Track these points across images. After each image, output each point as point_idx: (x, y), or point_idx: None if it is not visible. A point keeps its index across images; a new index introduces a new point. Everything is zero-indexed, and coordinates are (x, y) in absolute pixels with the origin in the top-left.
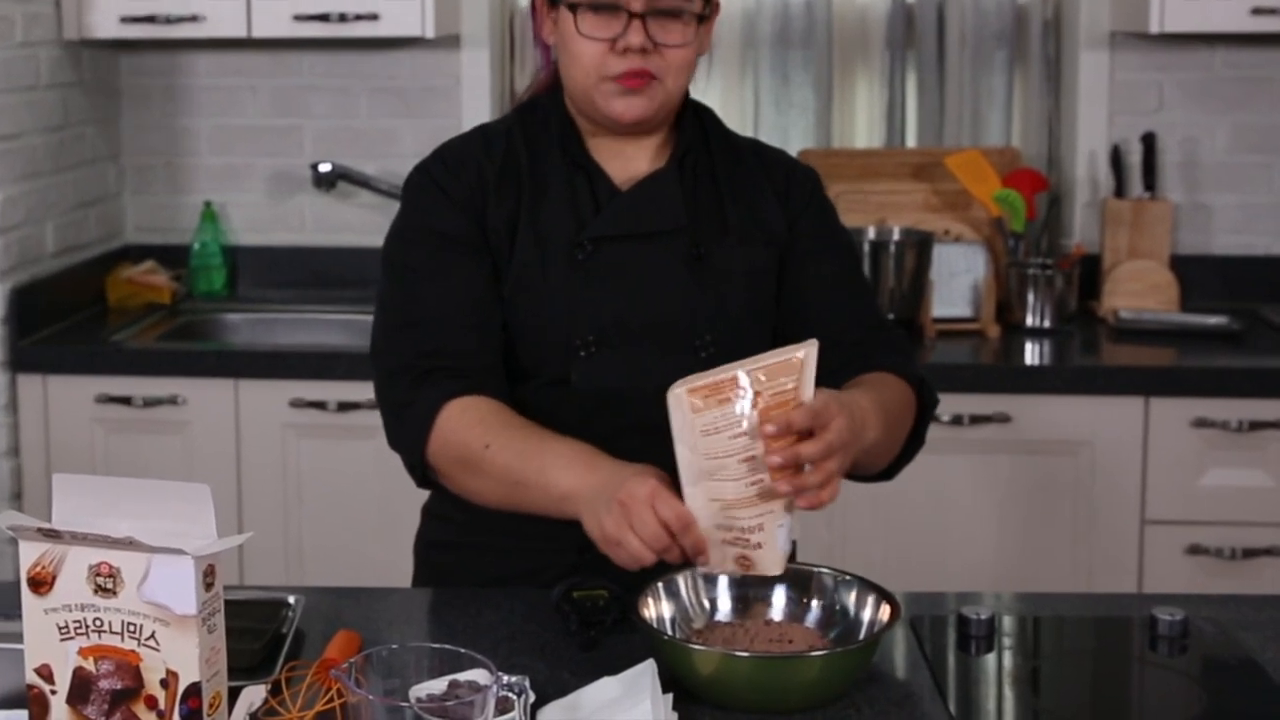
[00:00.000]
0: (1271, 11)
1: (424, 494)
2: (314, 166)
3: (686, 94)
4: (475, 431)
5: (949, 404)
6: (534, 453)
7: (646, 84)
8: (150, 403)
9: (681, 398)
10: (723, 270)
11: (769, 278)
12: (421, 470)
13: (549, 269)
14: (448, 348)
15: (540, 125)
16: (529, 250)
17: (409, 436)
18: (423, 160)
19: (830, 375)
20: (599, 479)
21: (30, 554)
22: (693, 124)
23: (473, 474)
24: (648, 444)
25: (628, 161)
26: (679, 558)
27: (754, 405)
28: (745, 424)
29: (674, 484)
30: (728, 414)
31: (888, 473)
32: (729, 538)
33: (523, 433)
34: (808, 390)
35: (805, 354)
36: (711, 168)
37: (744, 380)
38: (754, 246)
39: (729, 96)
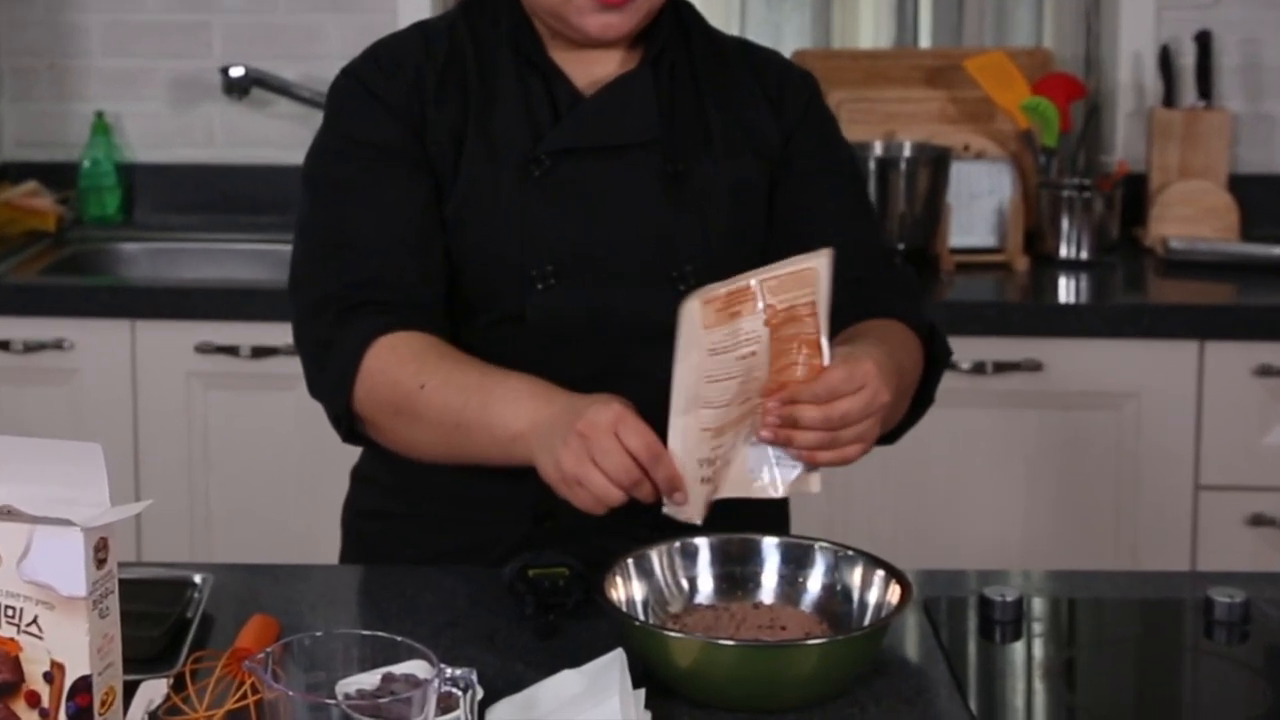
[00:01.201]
0: None
1: (354, 454)
2: (224, 71)
3: None
4: (408, 370)
5: (970, 349)
6: (476, 388)
7: (624, 1)
8: (32, 347)
9: (694, 310)
10: (704, 189)
11: (758, 197)
12: (348, 421)
13: (501, 187)
14: (380, 277)
15: (489, 22)
16: (477, 165)
17: (331, 381)
18: (351, 62)
19: (831, 318)
20: (553, 412)
21: None
22: (670, 20)
23: (407, 420)
24: (612, 389)
25: (592, 64)
26: (651, 495)
27: (766, 322)
28: (756, 345)
29: (642, 415)
30: (737, 330)
31: (890, 437)
32: (710, 473)
33: (462, 368)
34: (824, 308)
35: (820, 264)
36: (691, 70)
37: (757, 291)
38: (741, 160)
39: None
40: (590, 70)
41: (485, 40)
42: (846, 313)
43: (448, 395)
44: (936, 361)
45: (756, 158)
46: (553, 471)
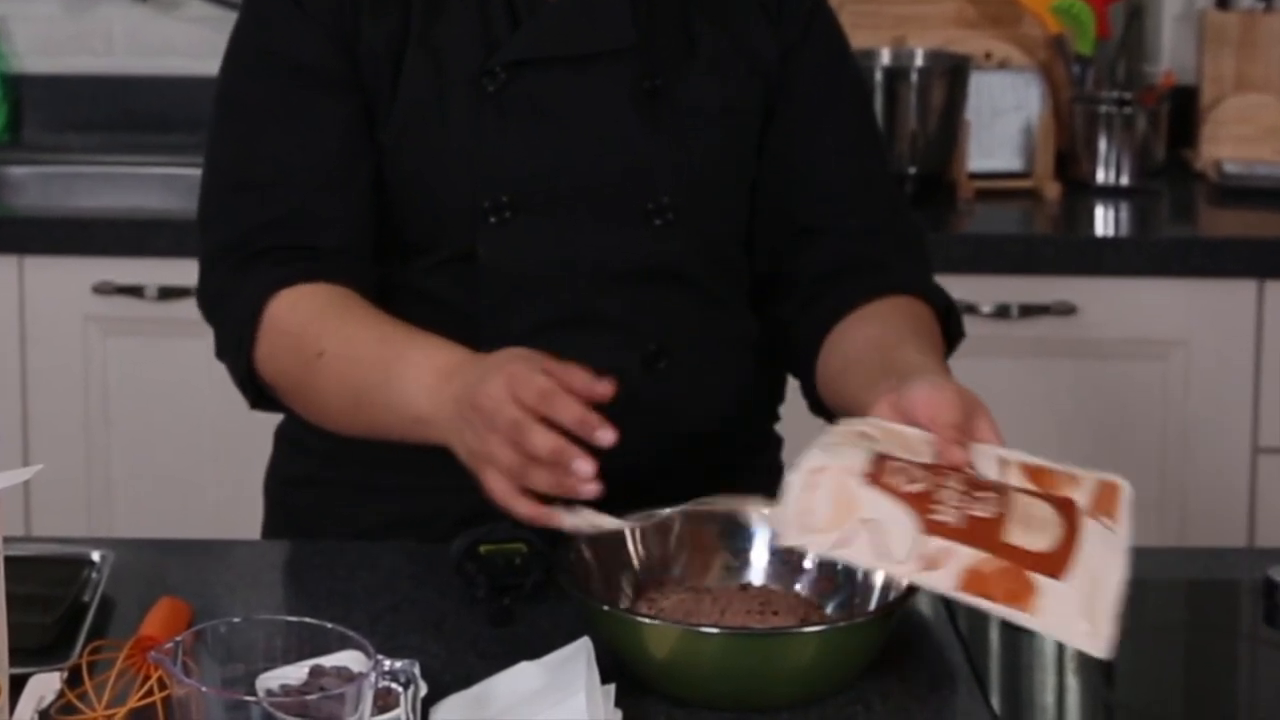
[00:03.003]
0: None
1: (278, 414)
2: None
3: None
4: (310, 332)
5: (993, 289)
6: (374, 361)
7: None
8: None
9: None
10: (687, 108)
11: (749, 120)
12: (252, 387)
13: (448, 105)
14: (290, 217)
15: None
16: (421, 80)
17: (230, 339)
18: None
19: (834, 284)
20: (454, 389)
21: None
22: None
23: (305, 391)
24: (583, 343)
25: None
26: (573, 457)
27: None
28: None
29: (611, 368)
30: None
31: None
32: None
33: (362, 333)
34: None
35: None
36: None
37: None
38: (731, 79)
39: None
40: None
41: None
42: (859, 282)
43: (344, 367)
44: (950, 341)
45: (751, 75)
46: (465, 458)
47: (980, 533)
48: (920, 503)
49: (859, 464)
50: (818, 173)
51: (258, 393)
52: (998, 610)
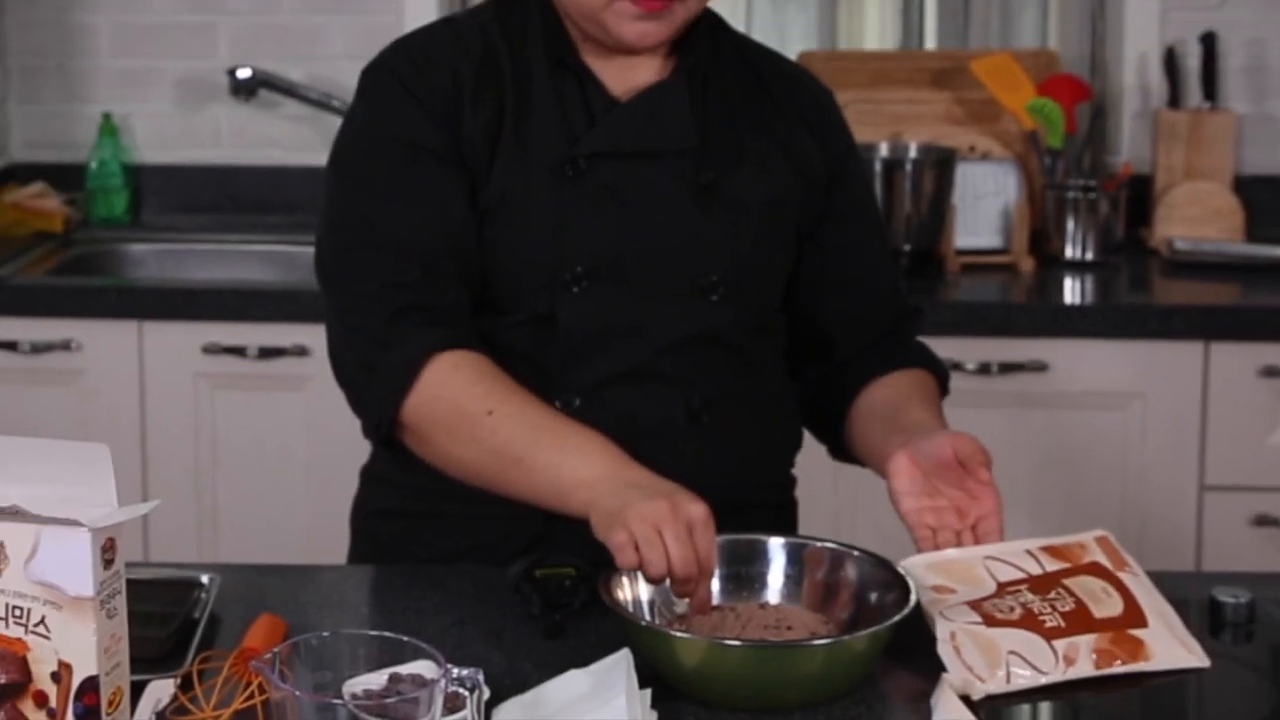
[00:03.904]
0: None
1: (363, 455)
2: (231, 72)
3: None
4: (476, 392)
5: (976, 350)
6: (549, 429)
7: (666, 7)
8: (40, 348)
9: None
10: (736, 200)
11: (790, 213)
12: (388, 428)
13: (535, 188)
14: (423, 280)
15: (521, 23)
16: (512, 166)
17: (383, 386)
18: (381, 56)
19: (862, 357)
20: (634, 475)
21: None
22: (703, 32)
23: (463, 442)
24: (639, 395)
25: (625, 69)
26: (691, 594)
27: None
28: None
29: (663, 420)
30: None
31: None
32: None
33: (534, 406)
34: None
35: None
36: (724, 84)
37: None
38: (775, 177)
39: None
40: (624, 76)
41: (518, 42)
42: (881, 357)
43: (516, 429)
44: (941, 395)
45: (796, 176)
46: (614, 522)
47: (1081, 622)
48: (1031, 622)
49: (974, 616)
50: (850, 278)
51: (388, 434)
52: (1127, 669)
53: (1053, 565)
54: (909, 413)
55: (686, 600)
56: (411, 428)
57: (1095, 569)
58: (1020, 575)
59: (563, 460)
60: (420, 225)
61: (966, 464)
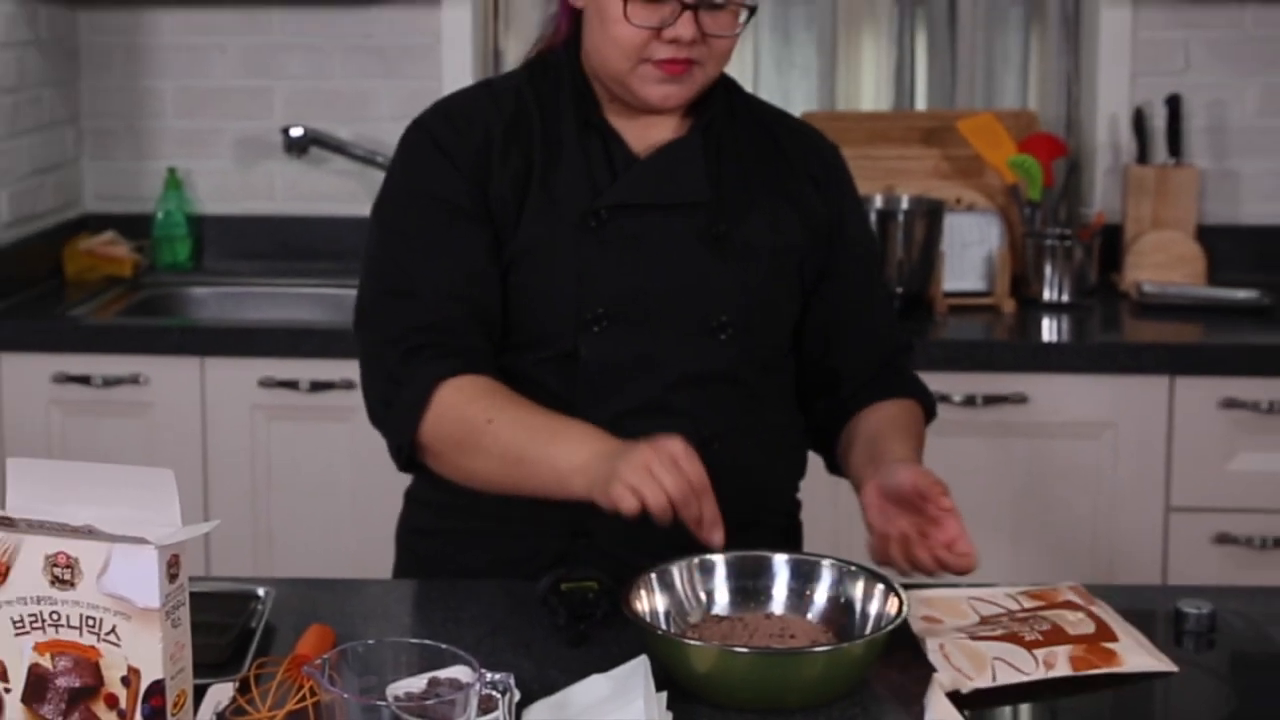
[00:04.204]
0: None
1: (404, 479)
2: (285, 131)
3: None
4: (478, 406)
5: (962, 384)
6: (542, 428)
7: (687, 70)
8: (110, 382)
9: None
10: (746, 248)
11: (795, 260)
12: (408, 451)
13: (560, 237)
14: (441, 324)
15: (552, 85)
16: (539, 216)
17: (399, 416)
18: (422, 115)
19: (860, 387)
20: (616, 447)
21: None
22: (719, 93)
23: (470, 452)
24: (654, 426)
25: (646, 128)
26: (696, 517)
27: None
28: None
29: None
30: None
31: None
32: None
33: (528, 409)
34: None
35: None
36: (737, 142)
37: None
38: (782, 228)
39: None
40: (645, 134)
41: (548, 102)
42: (877, 387)
43: (515, 432)
44: (927, 419)
45: (802, 227)
46: (609, 482)
47: (1057, 636)
48: (1012, 637)
49: (961, 635)
50: (852, 321)
51: (410, 458)
52: (1101, 672)
53: (1030, 603)
54: (887, 445)
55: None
56: (429, 448)
57: (1069, 604)
58: (1001, 610)
59: (557, 453)
60: (443, 276)
61: (926, 495)
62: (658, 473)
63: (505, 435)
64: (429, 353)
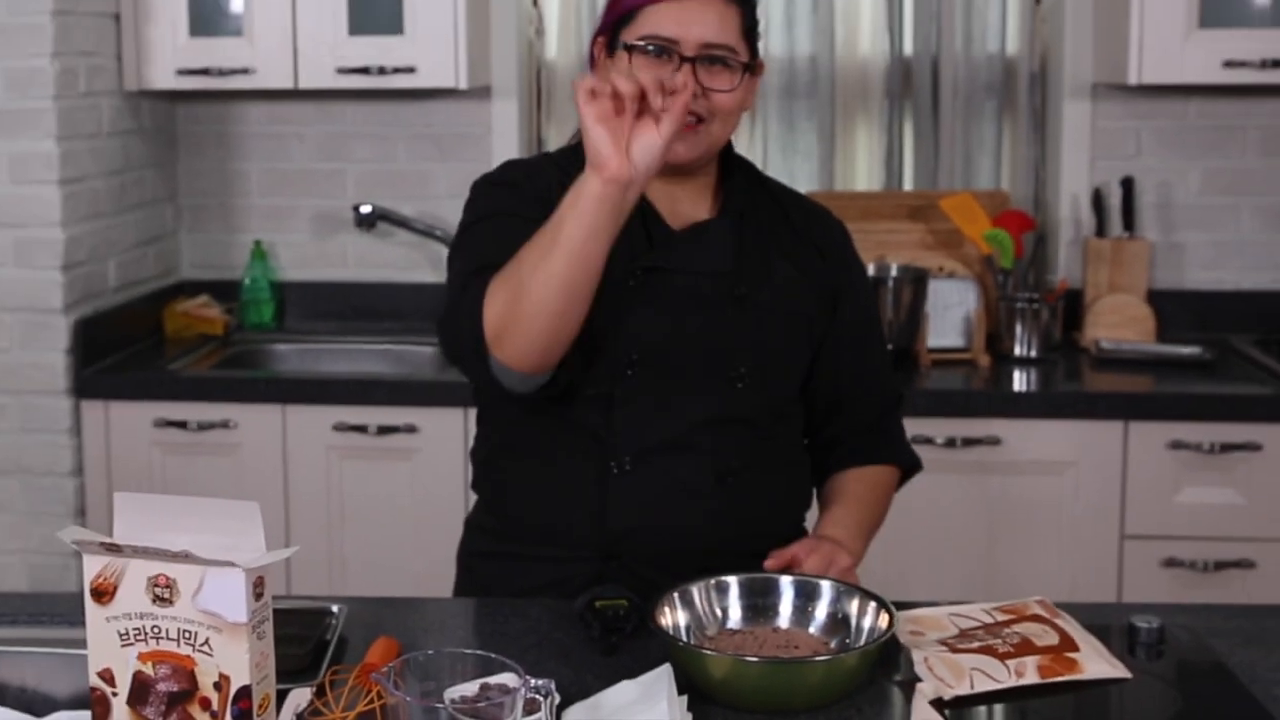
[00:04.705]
0: (1241, 64)
1: (459, 509)
2: (356, 208)
3: (730, 145)
4: (504, 271)
5: (943, 428)
6: (544, 227)
7: (693, 129)
8: (204, 426)
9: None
10: (763, 310)
11: (806, 320)
12: (481, 345)
13: (602, 292)
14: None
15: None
16: None
17: (468, 327)
18: (487, 173)
19: (855, 439)
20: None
21: (93, 566)
22: (741, 181)
23: (517, 287)
24: (677, 461)
25: (676, 203)
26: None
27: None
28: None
29: (695, 484)
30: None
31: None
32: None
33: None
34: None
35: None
36: (758, 222)
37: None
38: (794, 293)
39: (739, 142)
40: (674, 206)
41: None
42: (862, 454)
43: (529, 245)
44: (911, 474)
45: (810, 292)
46: (584, 137)
47: (1026, 648)
48: (987, 650)
49: (942, 648)
50: (854, 378)
51: (485, 356)
52: (1065, 679)
53: (1003, 617)
54: (827, 515)
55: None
56: (493, 328)
57: (1036, 618)
58: (977, 624)
59: (557, 211)
60: (507, 249)
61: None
62: (612, 83)
63: (524, 253)
64: (476, 283)
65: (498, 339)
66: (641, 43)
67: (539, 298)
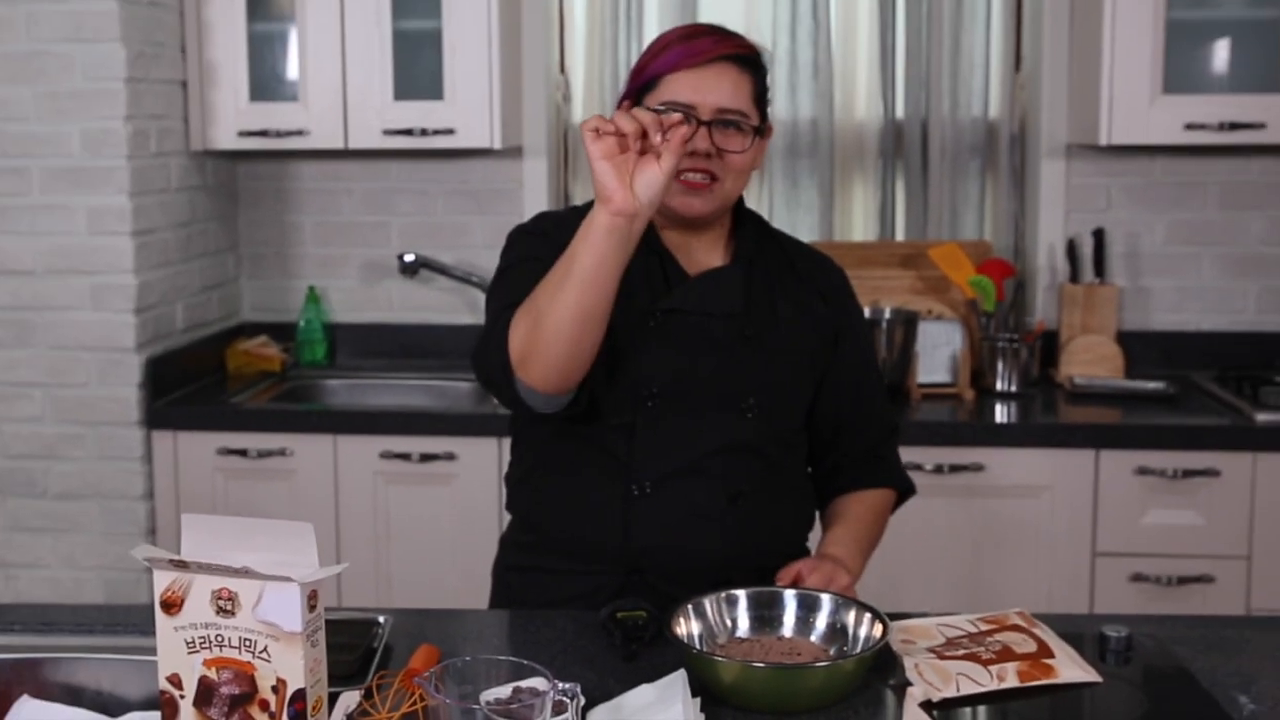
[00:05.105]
0: (1201, 127)
1: (493, 529)
2: (400, 256)
3: (741, 199)
4: (525, 304)
5: (932, 455)
6: (554, 267)
7: (708, 187)
8: (263, 454)
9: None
10: (770, 349)
11: (809, 358)
12: (508, 368)
13: (625, 331)
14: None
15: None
16: (615, 311)
17: (496, 353)
18: (523, 223)
19: (854, 466)
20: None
21: (162, 581)
22: (750, 231)
23: (535, 316)
24: (692, 485)
25: (692, 252)
26: (671, 137)
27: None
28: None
29: (707, 506)
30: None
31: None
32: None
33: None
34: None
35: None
36: (765, 266)
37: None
38: (798, 333)
39: (748, 198)
40: (691, 255)
41: None
42: (864, 472)
43: (546, 279)
44: (905, 497)
45: (812, 332)
46: (592, 175)
47: (1007, 655)
48: (972, 657)
49: (931, 655)
50: (853, 408)
51: (512, 379)
52: (1041, 683)
53: (985, 627)
54: (830, 535)
55: (736, 647)
56: (517, 354)
57: (1016, 628)
58: (962, 633)
59: (575, 243)
60: (525, 290)
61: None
62: (615, 121)
63: (541, 287)
64: (505, 318)
65: (521, 363)
66: (662, 108)
67: (556, 323)
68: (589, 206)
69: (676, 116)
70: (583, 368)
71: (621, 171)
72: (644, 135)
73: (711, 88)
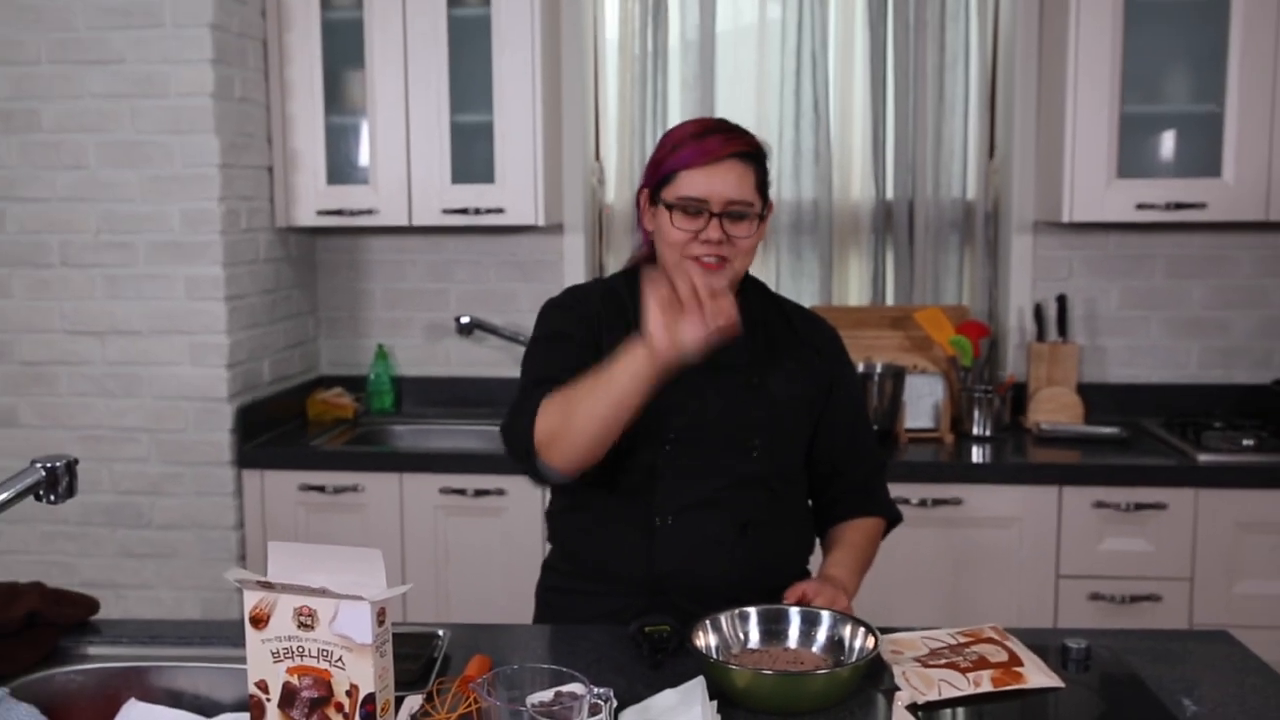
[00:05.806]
0: (1150, 206)
1: (537, 555)
2: (457, 318)
3: (747, 270)
4: (555, 396)
5: (917, 491)
6: (592, 374)
7: (720, 267)
8: (338, 490)
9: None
10: (772, 395)
11: (807, 405)
12: (532, 453)
13: None
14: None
15: (638, 281)
16: None
17: (522, 435)
18: (554, 296)
19: (848, 497)
20: (637, 344)
21: (251, 599)
22: (753, 295)
23: (565, 418)
24: (707, 517)
25: None
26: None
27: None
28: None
29: (719, 535)
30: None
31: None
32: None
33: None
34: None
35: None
36: (767, 324)
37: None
38: (796, 382)
39: (757, 267)
40: None
41: (637, 292)
42: (856, 503)
43: (580, 383)
44: (893, 525)
45: (808, 383)
46: (654, 336)
47: (982, 664)
48: (952, 665)
49: (916, 664)
50: (847, 446)
51: (533, 458)
52: (1013, 688)
53: (964, 639)
54: (830, 558)
55: (748, 657)
56: (541, 440)
57: (990, 640)
58: (944, 645)
59: (611, 364)
60: (557, 368)
61: (803, 601)
62: (675, 281)
63: (577, 390)
64: (536, 396)
65: (545, 448)
66: (679, 202)
67: (582, 425)
68: (612, 279)
69: (720, 288)
70: (597, 459)
71: (671, 322)
72: (695, 293)
73: (720, 182)
